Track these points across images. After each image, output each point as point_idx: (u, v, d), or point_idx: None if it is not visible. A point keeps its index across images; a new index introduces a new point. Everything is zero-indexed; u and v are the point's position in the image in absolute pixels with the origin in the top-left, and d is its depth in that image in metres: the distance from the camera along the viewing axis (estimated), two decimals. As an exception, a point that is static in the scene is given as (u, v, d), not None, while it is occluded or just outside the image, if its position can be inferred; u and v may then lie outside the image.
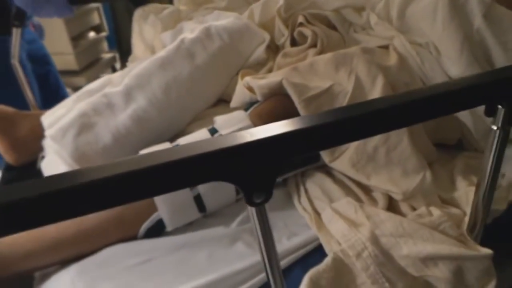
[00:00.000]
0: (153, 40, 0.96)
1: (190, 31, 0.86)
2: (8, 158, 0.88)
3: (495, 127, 0.43)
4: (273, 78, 0.68)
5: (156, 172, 0.28)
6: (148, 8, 0.97)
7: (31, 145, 0.85)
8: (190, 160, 0.28)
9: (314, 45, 0.80)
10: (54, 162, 0.71)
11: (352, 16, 0.85)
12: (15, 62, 0.93)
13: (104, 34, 2.75)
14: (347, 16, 0.85)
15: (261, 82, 0.69)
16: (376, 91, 0.67)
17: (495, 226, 0.63)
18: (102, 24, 2.73)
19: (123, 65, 2.83)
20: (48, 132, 0.72)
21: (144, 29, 0.97)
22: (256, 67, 0.85)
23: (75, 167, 0.68)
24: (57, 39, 2.28)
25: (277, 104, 0.67)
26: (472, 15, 0.71)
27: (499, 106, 0.42)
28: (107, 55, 2.80)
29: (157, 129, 0.75)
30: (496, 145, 0.44)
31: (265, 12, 0.87)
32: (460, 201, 0.61)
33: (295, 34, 0.83)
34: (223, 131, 0.65)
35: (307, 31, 0.79)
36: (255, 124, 0.66)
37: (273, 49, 0.89)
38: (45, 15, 0.92)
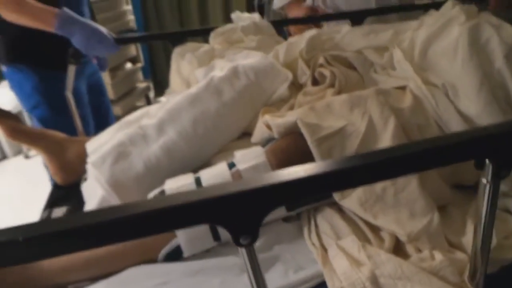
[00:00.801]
0: (189, 75, 1.05)
1: (220, 69, 0.94)
2: (57, 178, 0.99)
3: (484, 181, 0.45)
4: (289, 117, 0.73)
5: (157, 215, 0.34)
6: (186, 46, 1.07)
7: (77, 168, 0.95)
8: (186, 205, 0.34)
9: (332, 85, 0.84)
10: (92, 186, 0.80)
11: (373, 56, 0.88)
12: (68, 94, 1.06)
13: (139, 65, 2.94)
14: (368, 56, 0.89)
15: (278, 121, 0.74)
16: (387, 133, 0.70)
17: (506, 275, 0.62)
18: (138, 55, 2.92)
19: (157, 94, 3.00)
20: (89, 159, 0.81)
21: (181, 65, 1.06)
22: (279, 104, 0.90)
23: (110, 191, 0.77)
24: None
25: (291, 142, 0.72)
26: (493, 55, 0.72)
27: (487, 161, 0.44)
28: (141, 85, 2.98)
29: (185, 160, 0.82)
30: (488, 197, 0.46)
31: (289, 53, 0.93)
32: (467, 246, 0.62)
33: (316, 74, 0.88)
34: (240, 166, 0.70)
35: (326, 72, 0.84)
36: (270, 160, 0.71)
37: (297, 86, 0.94)
38: (96, 53, 1.05)
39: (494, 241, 0.61)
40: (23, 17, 1.02)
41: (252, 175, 0.69)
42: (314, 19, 1.15)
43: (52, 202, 0.97)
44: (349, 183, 0.39)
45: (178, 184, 0.70)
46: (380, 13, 1.16)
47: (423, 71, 0.77)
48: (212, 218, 0.35)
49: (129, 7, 2.90)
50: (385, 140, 0.69)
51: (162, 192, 0.70)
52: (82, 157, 0.91)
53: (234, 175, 0.70)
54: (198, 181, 0.70)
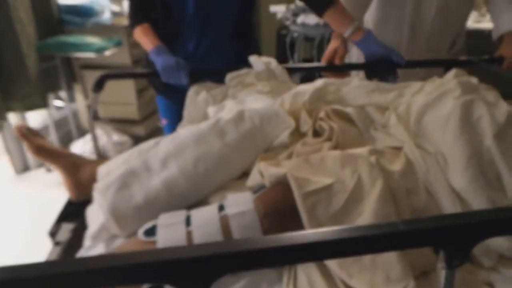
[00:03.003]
0: (202, 111, 1.12)
1: (229, 110, 0.99)
2: (71, 194, 1.07)
3: (440, 266, 0.47)
4: (281, 169, 0.76)
5: (118, 270, 0.38)
6: (202, 85, 1.14)
7: (89, 187, 1.02)
8: (143, 264, 0.38)
9: (330, 139, 0.87)
10: (95, 211, 0.87)
11: (375, 114, 0.91)
12: (89, 119, 1.15)
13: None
14: (370, 112, 0.92)
15: (271, 170, 0.77)
16: (373, 194, 0.72)
17: None
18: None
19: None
20: (96, 185, 0.88)
21: (196, 101, 1.13)
22: (280, 149, 0.94)
23: (110, 219, 0.82)
24: (124, 91, 2.62)
25: (279, 194, 0.75)
26: (483, 133, 0.73)
27: (441, 250, 0.45)
28: (164, 107, 3.13)
29: (182, 196, 0.87)
30: (445, 282, 0.47)
31: (294, 101, 0.97)
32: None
33: (317, 126, 0.91)
34: (228, 210, 0.74)
35: (325, 126, 0.87)
36: (257, 208, 0.74)
37: (300, 133, 0.98)
38: (170, 82, 1.17)
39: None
40: (141, 40, 1.29)
41: (238, 221, 0.73)
42: (328, 68, 1.19)
43: (63, 217, 1.05)
44: (288, 260, 0.42)
45: (169, 222, 0.75)
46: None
47: (418, 137, 0.79)
48: (166, 278, 0.39)
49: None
50: (371, 201, 0.71)
51: (154, 227, 0.75)
52: (94, 178, 0.99)
53: (222, 219, 0.74)
54: (188, 220, 0.75)
